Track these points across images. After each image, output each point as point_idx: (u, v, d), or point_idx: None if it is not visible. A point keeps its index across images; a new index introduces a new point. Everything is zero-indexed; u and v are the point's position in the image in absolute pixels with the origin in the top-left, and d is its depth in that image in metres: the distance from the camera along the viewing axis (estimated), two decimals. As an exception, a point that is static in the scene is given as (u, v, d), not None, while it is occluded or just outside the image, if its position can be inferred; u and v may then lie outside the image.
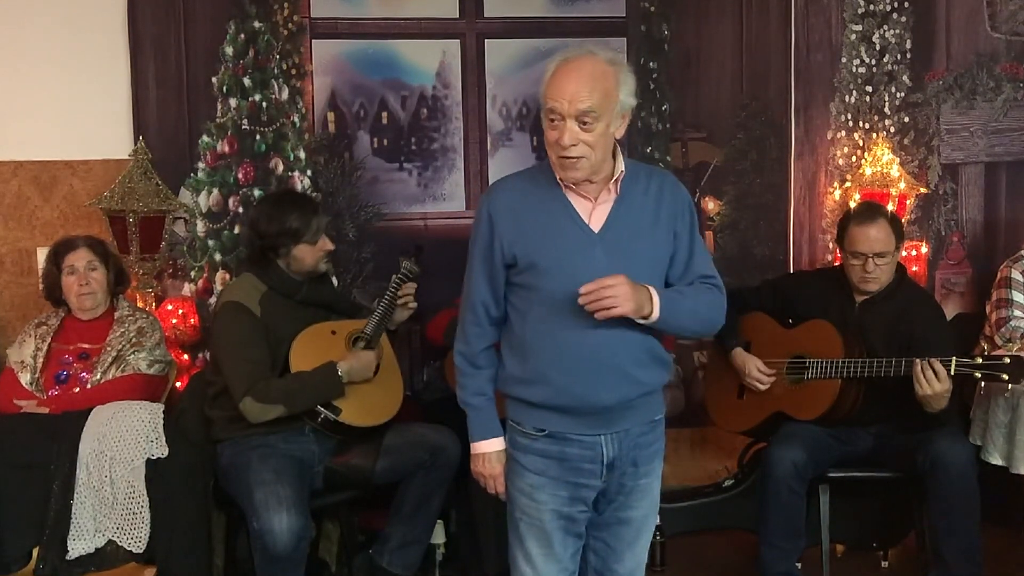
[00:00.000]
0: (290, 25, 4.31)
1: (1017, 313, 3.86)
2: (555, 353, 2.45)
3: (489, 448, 2.59)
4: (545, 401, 2.48)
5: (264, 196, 4.07)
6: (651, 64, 4.50)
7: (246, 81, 4.27)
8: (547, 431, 2.51)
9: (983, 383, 3.61)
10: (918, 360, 3.38)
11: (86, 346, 3.59)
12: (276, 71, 4.30)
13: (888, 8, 4.54)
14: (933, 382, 3.34)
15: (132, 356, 3.56)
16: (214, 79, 4.27)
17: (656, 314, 2.42)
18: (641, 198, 2.51)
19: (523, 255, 2.46)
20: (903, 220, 4.06)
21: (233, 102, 4.27)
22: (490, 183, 3.97)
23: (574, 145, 2.38)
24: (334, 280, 3.82)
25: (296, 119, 4.34)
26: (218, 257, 4.32)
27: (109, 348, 3.56)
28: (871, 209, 3.74)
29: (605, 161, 2.45)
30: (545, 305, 2.45)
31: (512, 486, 2.58)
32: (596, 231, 2.47)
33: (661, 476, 2.66)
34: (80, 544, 3.20)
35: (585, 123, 2.37)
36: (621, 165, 2.49)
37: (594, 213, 2.48)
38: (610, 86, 2.39)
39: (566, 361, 2.45)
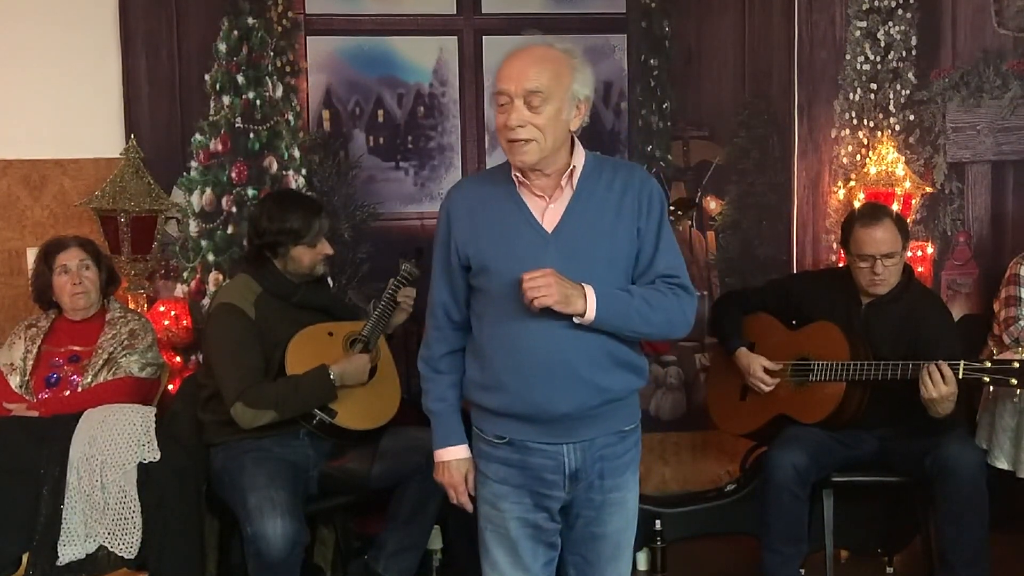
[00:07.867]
0: (284, 21, 4.27)
1: (1026, 312, 3.82)
2: (510, 359, 2.39)
3: (449, 456, 2.52)
4: (503, 408, 2.43)
5: (268, 194, 4.02)
6: (652, 61, 4.46)
7: (239, 78, 4.23)
8: (508, 439, 2.45)
9: (991, 388, 3.57)
10: (924, 363, 3.34)
11: (77, 348, 3.55)
12: (270, 68, 4.26)
13: (893, 4, 4.49)
14: (939, 384, 3.31)
15: (124, 359, 3.53)
16: (207, 76, 4.23)
17: (592, 313, 2.33)
18: (603, 193, 2.42)
19: (475, 257, 2.42)
20: (908, 220, 4.04)
21: (226, 100, 4.23)
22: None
23: (521, 126, 2.32)
24: (329, 281, 3.78)
25: (290, 117, 4.30)
26: (211, 257, 4.28)
27: (100, 351, 3.53)
28: (875, 210, 3.70)
29: (558, 152, 2.39)
30: (498, 309, 2.40)
31: (477, 495, 2.53)
32: (549, 231, 2.40)
33: (638, 487, 2.58)
34: (71, 550, 3.18)
35: (533, 105, 2.32)
36: (578, 159, 2.42)
37: (547, 212, 2.41)
38: (561, 70, 2.34)
39: (521, 367, 2.38)
